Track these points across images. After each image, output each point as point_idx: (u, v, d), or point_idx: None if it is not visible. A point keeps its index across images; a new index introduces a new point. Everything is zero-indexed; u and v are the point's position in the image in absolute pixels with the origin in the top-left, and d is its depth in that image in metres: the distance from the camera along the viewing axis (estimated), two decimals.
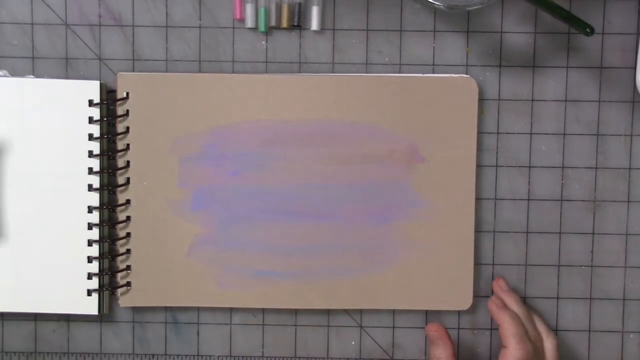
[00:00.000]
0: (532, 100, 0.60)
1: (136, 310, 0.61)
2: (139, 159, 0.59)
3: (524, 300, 0.60)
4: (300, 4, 0.59)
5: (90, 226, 0.59)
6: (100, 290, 0.60)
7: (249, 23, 0.59)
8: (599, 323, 0.61)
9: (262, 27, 0.59)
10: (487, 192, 0.60)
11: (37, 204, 0.59)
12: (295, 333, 0.62)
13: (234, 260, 0.60)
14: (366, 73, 0.60)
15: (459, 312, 0.61)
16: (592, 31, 0.52)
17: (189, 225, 0.59)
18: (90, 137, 0.59)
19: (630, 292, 0.61)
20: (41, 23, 0.60)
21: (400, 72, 0.60)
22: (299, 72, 0.60)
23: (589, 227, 0.61)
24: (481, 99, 0.60)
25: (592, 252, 0.61)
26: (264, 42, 0.60)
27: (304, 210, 0.59)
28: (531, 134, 0.60)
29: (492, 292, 0.60)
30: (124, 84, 0.59)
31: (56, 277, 0.59)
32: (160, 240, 0.60)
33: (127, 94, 0.59)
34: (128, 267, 0.60)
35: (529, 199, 0.60)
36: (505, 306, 0.57)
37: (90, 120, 0.59)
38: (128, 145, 0.59)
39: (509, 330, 0.55)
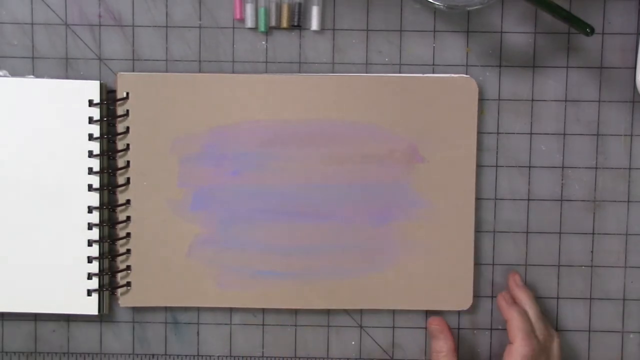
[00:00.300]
0: (532, 100, 0.60)
1: (136, 310, 0.61)
2: (139, 159, 0.59)
3: None
4: (300, 4, 0.59)
5: (90, 226, 0.59)
6: (100, 290, 0.60)
7: (249, 23, 0.59)
8: (599, 323, 0.61)
9: (262, 27, 0.59)
10: (487, 192, 0.60)
11: (37, 204, 0.59)
12: (295, 333, 0.62)
13: (234, 260, 0.60)
14: (366, 73, 0.60)
15: (459, 312, 0.61)
16: (592, 31, 0.52)
17: (189, 225, 0.59)
18: (90, 137, 0.59)
19: (630, 292, 0.61)
20: (41, 23, 0.60)
21: (400, 72, 0.60)
22: (299, 72, 0.60)
23: (589, 227, 0.61)
24: (481, 99, 0.60)
25: (592, 252, 0.61)
26: (264, 42, 0.60)
27: (304, 210, 0.59)
28: (531, 134, 0.60)
29: (506, 287, 0.60)
30: (124, 84, 0.59)
31: (56, 277, 0.59)
32: (160, 240, 0.60)
33: (127, 94, 0.59)
34: (128, 267, 0.60)
35: (529, 199, 0.60)
36: (514, 302, 0.58)
37: (90, 120, 0.59)
38: (128, 145, 0.59)
39: (515, 326, 0.55)
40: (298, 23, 0.59)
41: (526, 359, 0.54)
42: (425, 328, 0.61)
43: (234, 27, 0.60)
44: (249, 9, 0.59)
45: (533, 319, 0.57)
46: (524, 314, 0.56)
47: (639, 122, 0.60)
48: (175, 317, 0.61)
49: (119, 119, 0.59)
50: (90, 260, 0.59)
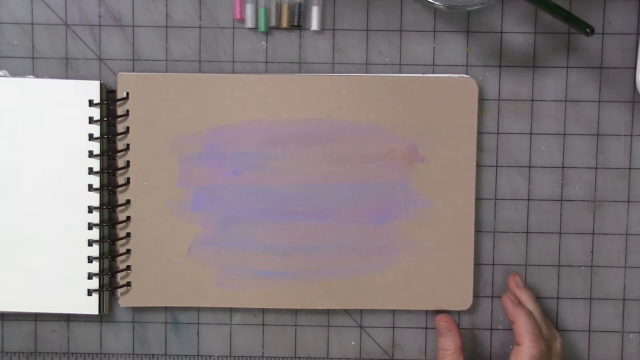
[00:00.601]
0: (532, 100, 0.60)
1: (136, 310, 0.61)
2: (139, 159, 0.59)
3: None
4: (300, 4, 0.59)
5: (90, 226, 0.59)
6: (100, 290, 0.60)
7: (249, 23, 0.59)
8: (599, 323, 0.61)
9: (262, 27, 0.59)
10: (487, 192, 0.60)
11: (37, 204, 0.59)
12: (295, 333, 0.62)
13: (234, 260, 0.60)
14: (366, 73, 0.60)
15: (459, 312, 0.61)
16: (592, 31, 0.52)
17: (189, 225, 0.59)
18: (90, 137, 0.59)
19: (630, 292, 0.61)
20: (41, 23, 0.60)
21: (400, 72, 0.60)
22: (299, 72, 0.60)
23: (589, 227, 0.61)
24: (481, 99, 0.60)
25: (592, 252, 0.61)
26: (264, 42, 0.60)
27: (304, 210, 0.59)
28: (531, 134, 0.60)
29: (507, 288, 0.60)
30: (124, 84, 0.59)
31: (56, 277, 0.59)
32: (160, 240, 0.60)
33: (127, 94, 0.59)
34: (128, 267, 0.60)
35: (529, 199, 0.60)
36: (520, 303, 0.58)
37: (90, 120, 0.59)
38: (128, 145, 0.59)
39: (523, 328, 0.55)
40: (298, 23, 0.59)
41: None
42: (426, 328, 0.61)
43: (234, 27, 0.60)
44: (249, 9, 0.59)
45: (537, 320, 0.57)
46: (530, 315, 0.56)
47: (639, 122, 0.60)
48: (175, 317, 0.61)
49: (119, 119, 0.59)
50: (90, 260, 0.59)
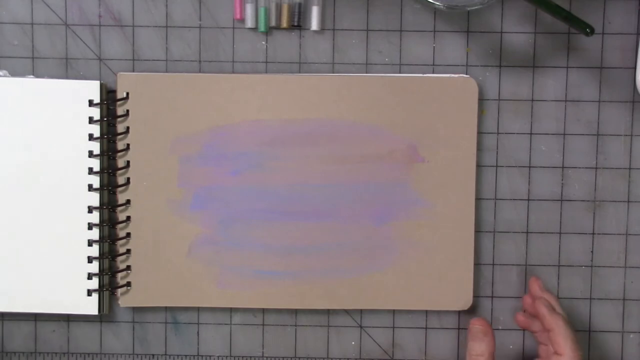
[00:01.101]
0: (532, 100, 0.60)
1: (136, 310, 0.61)
2: (139, 159, 0.59)
3: None
4: (300, 4, 0.59)
5: (90, 226, 0.59)
6: (100, 290, 0.60)
7: (249, 23, 0.59)
8: (599, 323, 0.61)
9: (262, 27, 0.59)
10: (487, 192, 0.60)
11: (37, 203, 0.59)
12: (295, 333, 0.62)
13: (234, 260, 0.60)
14: (366, 73, 0.60)
15: (459, 312, 0.61)
16: (592, 31, 0.52)
17: (189, 225, 0.59)
18: (90, 137, 0.59)
19: (630, 292, 0.61)
20: (41, 23, 0.60)
21: (400, 72, 0.60)
22: (299, 72, 0.60)
23: (589, 227, 0.61)
24: (481, 99, 0.60)
25: (592, 252, 0.61)
26: (264, 42, 0.60)
27: (304, 210, 0.59)
28: (531, 134, 0.60)
29: (529, 291, 0.59)
30: (124, 84, 0.59)
31: (56, 277, 0.59)
32: (160, 240, 0.60)
33: (127, 94, 0.59)
34: (128, 267, 0.60)
35: (529, 199, 0.60)
36: (554, 309, 0.55)
37: (90, 120, 0.59)
38: (128, 145, 0.59)
39: (562, 335, 0.52)
40: (298, 23, 0.59)
41: None
42: (425, 328, 0.61)
43: (234, 27, 0.60)
44: (249, 9, 0.59)
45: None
46: (568, 321, 0.53)
47: (639, 122, 0.60)
48: (175, 317, 0.61)
49: (119, 119, 0.59)
50: (90, 260, 0.59)
